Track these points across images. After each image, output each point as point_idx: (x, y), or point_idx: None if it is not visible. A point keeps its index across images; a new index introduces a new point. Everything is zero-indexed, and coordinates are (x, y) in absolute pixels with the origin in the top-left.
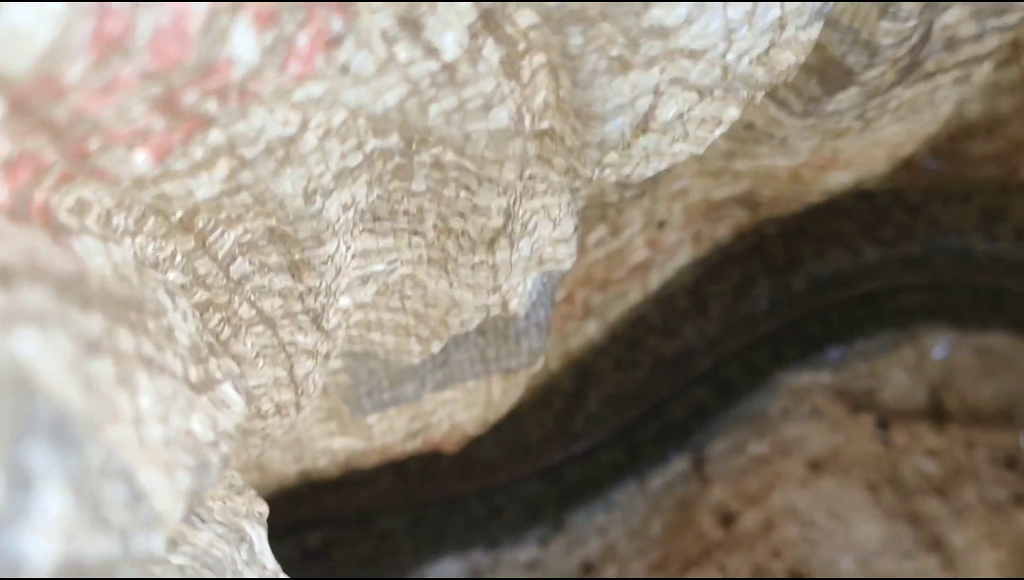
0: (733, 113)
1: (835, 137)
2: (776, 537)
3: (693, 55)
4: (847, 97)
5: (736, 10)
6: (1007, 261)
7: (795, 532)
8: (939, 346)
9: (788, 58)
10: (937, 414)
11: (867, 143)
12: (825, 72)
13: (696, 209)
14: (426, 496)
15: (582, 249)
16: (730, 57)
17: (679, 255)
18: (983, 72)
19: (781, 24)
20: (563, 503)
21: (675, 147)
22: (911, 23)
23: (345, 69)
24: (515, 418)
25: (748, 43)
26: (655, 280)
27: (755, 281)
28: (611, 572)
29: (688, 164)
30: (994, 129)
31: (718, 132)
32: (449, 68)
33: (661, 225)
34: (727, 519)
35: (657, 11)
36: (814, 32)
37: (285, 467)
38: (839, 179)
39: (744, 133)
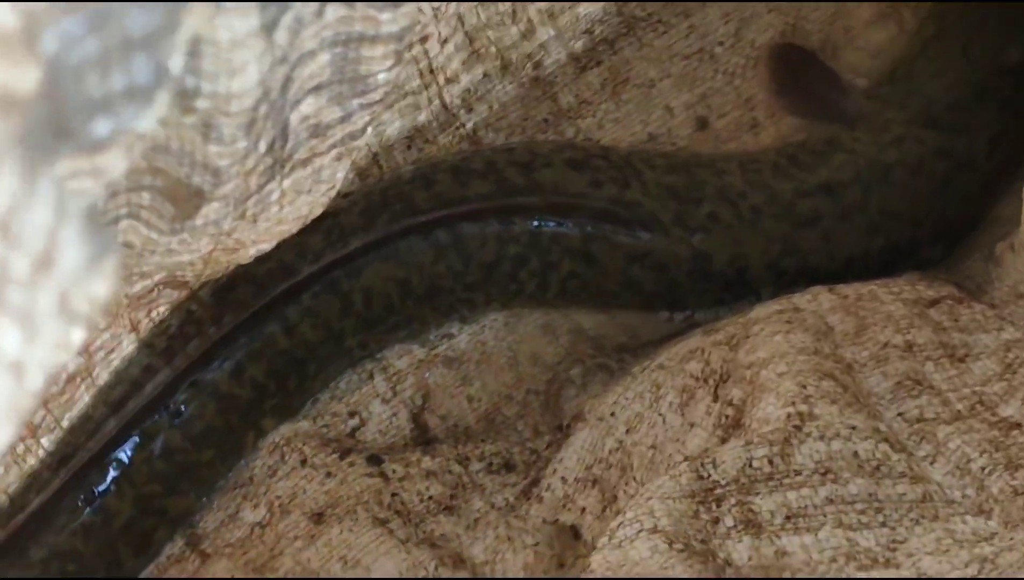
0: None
1: (228, 234)
2: None
3: None
4: (211, 210)
5: None
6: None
7: None
8: (401, 368)
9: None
10: (423, 438)
11: (270, 225)
12: (175, 195)
13: (118, 305)
14: None
15: None
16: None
17: (123, 347)
18: (366, 141)
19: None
20: None
21: None
22: (241, 144)
23: None
24: None
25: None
26: (104, 376)
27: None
28: None
29: None
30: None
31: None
32: None
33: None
34: None
35: None
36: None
37: None
38: (248, 252)
39: (126, 250)
